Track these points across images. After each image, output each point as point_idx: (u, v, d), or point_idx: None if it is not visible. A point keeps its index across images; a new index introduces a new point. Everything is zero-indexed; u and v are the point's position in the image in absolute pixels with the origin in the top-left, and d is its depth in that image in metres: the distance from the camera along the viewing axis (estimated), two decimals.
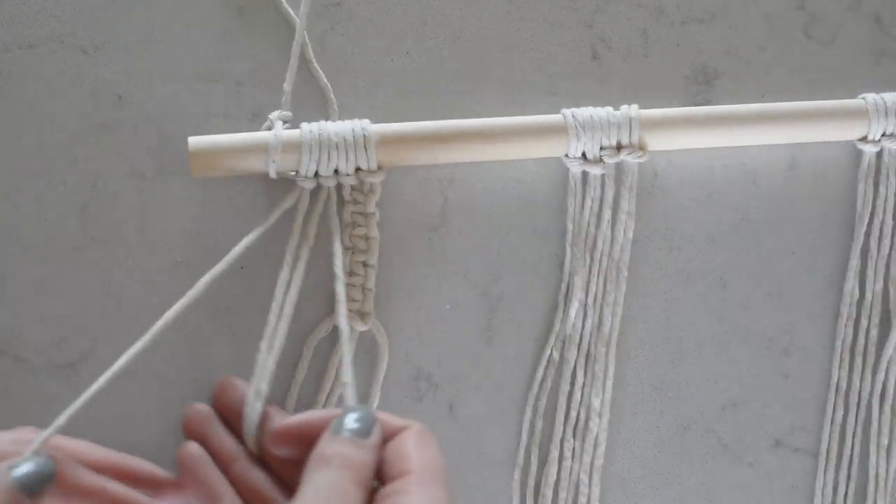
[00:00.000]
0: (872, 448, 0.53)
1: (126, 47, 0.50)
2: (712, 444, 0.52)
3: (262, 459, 0.46)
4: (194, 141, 0.47)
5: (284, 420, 0.44)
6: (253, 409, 0.45)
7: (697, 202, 0.52)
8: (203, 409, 0.47)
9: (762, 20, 0.54)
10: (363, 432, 0.41)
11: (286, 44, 0.51)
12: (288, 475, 0.45)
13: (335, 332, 0.49)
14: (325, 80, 0.51)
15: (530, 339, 0.51)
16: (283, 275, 0.48)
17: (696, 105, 0.52)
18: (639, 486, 0.52)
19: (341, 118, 0.50)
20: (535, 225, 0.51)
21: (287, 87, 0.50)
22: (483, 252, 0.51)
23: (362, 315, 0.49)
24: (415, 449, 0.41)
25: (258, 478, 0.45)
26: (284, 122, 0.49)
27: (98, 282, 0.49)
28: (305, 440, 0.42)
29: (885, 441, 0.53)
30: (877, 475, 0.53)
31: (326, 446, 0.40)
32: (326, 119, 0.50)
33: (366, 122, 0.48)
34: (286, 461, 0.44)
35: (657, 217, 0.52)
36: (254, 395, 0.46)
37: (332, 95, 0.51)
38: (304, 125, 0.48)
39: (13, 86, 0.49)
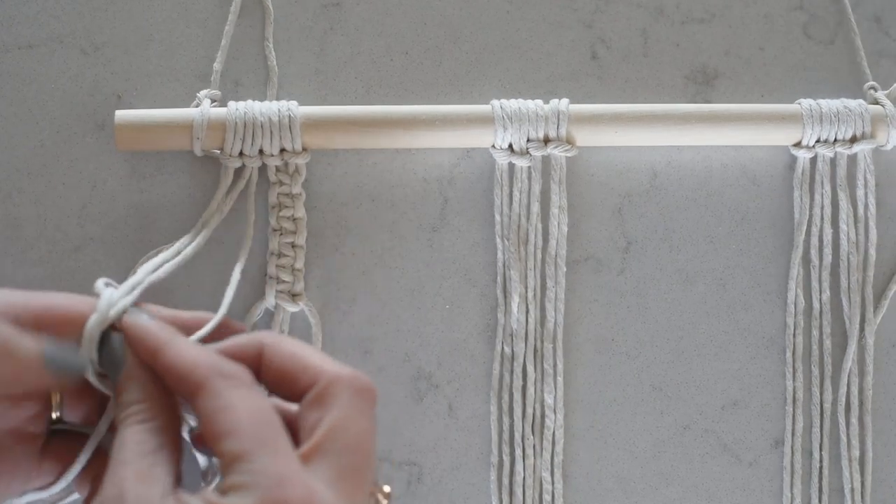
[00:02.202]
0: (844, 463, 0.52)
1: (126, 47, 0.50)
2: (712, 444, 0.52)
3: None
4: (121, 114, 0.48)
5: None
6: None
7: (697, 202, 0.52)
8: None
9: (762, 20, 0.54)
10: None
11: (284, 43, 0.51)
12: None
13: (268, 315, 0.49)
14: (274, 61, 0.51)
15: None
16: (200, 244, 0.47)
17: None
18: (639, 485, 0.52)
19: None
20: None
21: (217, 66, 0.50)
22: (483, 252, 0.51)
23: (293, 296, 0.49)
24: None
25: None
26: (213, 100, 0.49)
27: None
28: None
29: (855, 453, 0.52)
30: (852, 489, 0.51)
31: (186, 355, 0.38)
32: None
33: (293, 104, 0.48)
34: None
35: (657, 217, 0.52)
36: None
37: (275, 78, 0.51)
38: (231, 104, 0.48)
39: (13, 86, 0.49)
